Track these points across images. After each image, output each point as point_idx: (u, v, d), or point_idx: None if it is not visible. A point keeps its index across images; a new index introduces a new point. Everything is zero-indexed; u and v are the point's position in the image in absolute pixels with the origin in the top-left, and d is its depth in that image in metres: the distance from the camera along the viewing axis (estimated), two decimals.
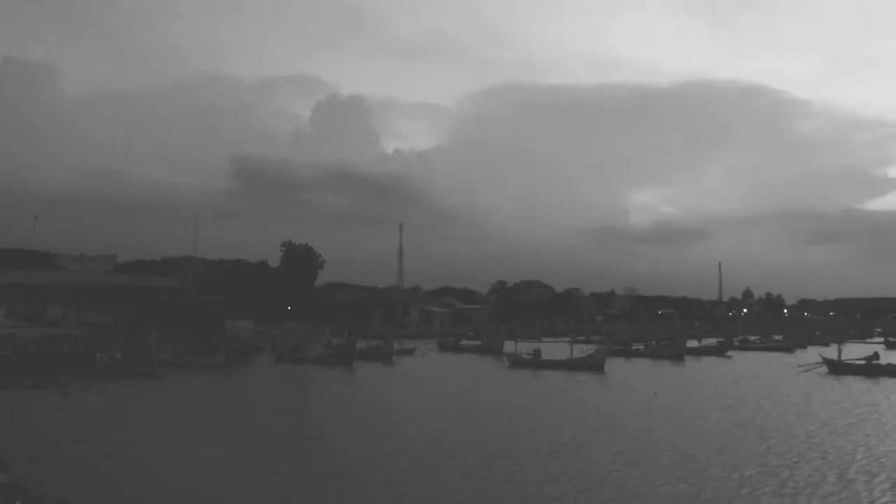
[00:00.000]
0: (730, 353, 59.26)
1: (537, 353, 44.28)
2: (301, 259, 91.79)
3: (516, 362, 44.22)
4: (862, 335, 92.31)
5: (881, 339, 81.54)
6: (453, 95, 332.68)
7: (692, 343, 62.60)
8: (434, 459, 16.72)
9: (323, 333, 59.16)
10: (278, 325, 67.53)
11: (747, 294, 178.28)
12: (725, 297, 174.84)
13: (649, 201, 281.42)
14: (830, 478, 14.81)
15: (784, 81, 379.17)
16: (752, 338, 78.02)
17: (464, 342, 66.08)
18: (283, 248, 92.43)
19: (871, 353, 42.25)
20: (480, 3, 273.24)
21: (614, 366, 43.78)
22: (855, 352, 45.82)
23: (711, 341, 67.16)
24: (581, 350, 46.02)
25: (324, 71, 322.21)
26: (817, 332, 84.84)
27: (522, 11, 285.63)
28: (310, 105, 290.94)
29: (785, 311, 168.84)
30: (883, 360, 40.67)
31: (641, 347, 57.25)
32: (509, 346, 51.12)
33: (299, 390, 34.31)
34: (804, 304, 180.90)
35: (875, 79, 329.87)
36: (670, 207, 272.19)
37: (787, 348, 65.40)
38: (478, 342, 65.00)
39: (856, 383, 35.22)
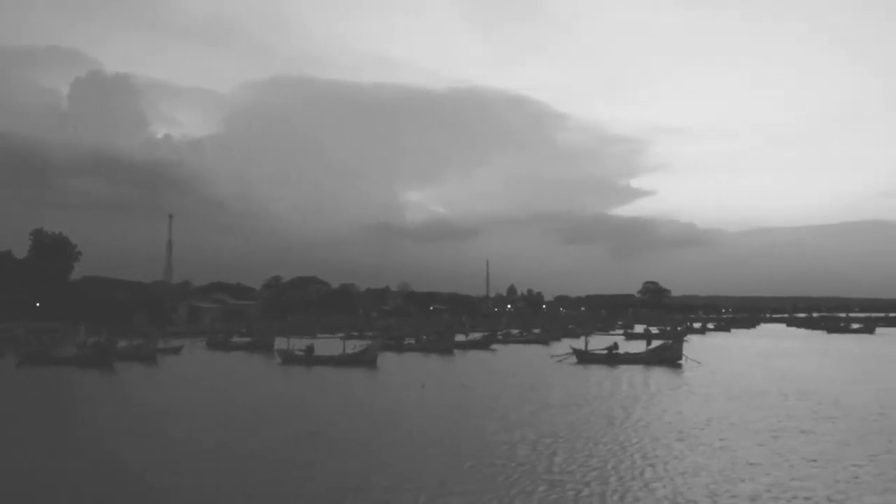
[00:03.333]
0: (494, 346, 63.41)
1: (310, 349, 44.24)
2: (53, 250, 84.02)
3: (288, 359, 43.89)
4: (606, 327, 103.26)
5: (622, 331, 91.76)
6: (231, 82, 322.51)
7: (460, 337, 66.07)
8: (187, 460, 16.27)
9: (77, 332, 54.57)
10: (23, 323, 61.02)
11: (511, 290, 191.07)
12: (492, 294, 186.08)
13: (423, 200, 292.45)
14: (522, 450, 16.59)
15: (549, 94, 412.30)
16: (514, 331, 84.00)
17: (235, 339, 64.22)
18: (32, 237, 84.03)
19: (612, 343, 47.30)
20: None
21: (387, 360, 44.98)
22: (600, 342, 50.89)
23: (478, 335, 71.24)
24: (354, 345, 46.80)
25: (86, 44, 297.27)
26: (570, 326, 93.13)
27: (309, 3, 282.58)
28: (69, 80, 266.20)
29: (544, 306, 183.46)
30: (622, 350, 45.67)
31: (413, 342, 59.25)
32: (282, 342, 50.57)
33: (44, 397, 31.28)
34: (560, 300, 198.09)
35: (624, 98, 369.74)
36: (443, 207, 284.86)
37: (544, 341, 71.17)
38: (249, 339, 63.53)
39: (597, 370, 39.24)
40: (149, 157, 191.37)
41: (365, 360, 42.32)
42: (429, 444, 17.63)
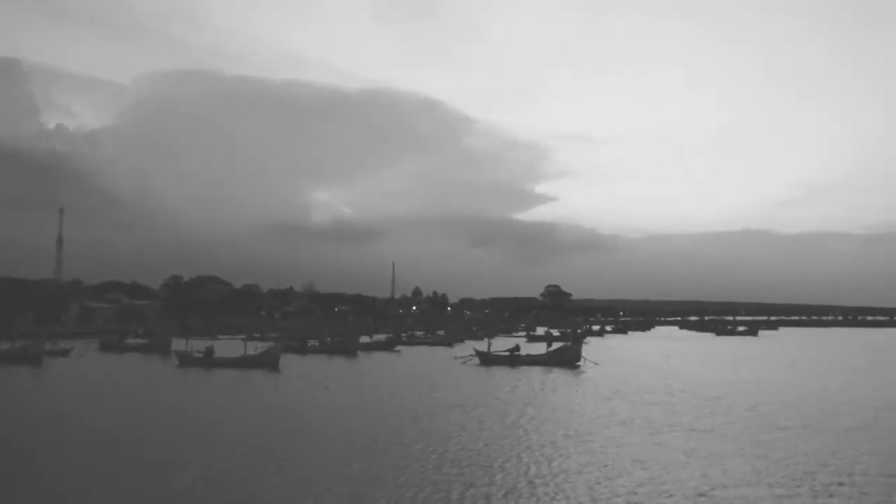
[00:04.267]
0: (398, 347, 63.60)
1: (209, 351, 43.20)
2: None
3: (186, 361, 42.67)
4: (509, 330, 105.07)
5: (524, 333, 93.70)
6: (131, 73, 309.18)
7: (365, 339, 65.93)
8: (70, 467, 15.78)
9: None
10: None
11: (417, 292, 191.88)
12: (397, 295, 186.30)
13: (330, 200, 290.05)
14: (415, 450, 16.93)
15: (458, 98, 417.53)
16: (419, 333, 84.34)
17: (130, 341, 61.90)
18: None
19: (514, 345, 48.29)
20: None
21: (290, 362, 44.39)
22: (503, 344, 51.87)
23: (382, 337, 71.21)
24: (256, 347, 46.05)
25: None
26: (474, 328, 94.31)
27: None
28: None
29: (448, 308, 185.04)
30: (524, 352, 46.69)
31: (317, 344, 58.73)
32: (180, 344, 49.10)
33: None
34: (464, 302, 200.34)
35: (529, 105, 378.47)
36: (350, 207, 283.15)
37: (448, 342, 71.91)
38: (145, 341, 61.38)
39: (499, 372, 40.07)
40: (39, 148, 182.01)
41: (267, 362, 41.69)
42: (326, 445, 17.71)
